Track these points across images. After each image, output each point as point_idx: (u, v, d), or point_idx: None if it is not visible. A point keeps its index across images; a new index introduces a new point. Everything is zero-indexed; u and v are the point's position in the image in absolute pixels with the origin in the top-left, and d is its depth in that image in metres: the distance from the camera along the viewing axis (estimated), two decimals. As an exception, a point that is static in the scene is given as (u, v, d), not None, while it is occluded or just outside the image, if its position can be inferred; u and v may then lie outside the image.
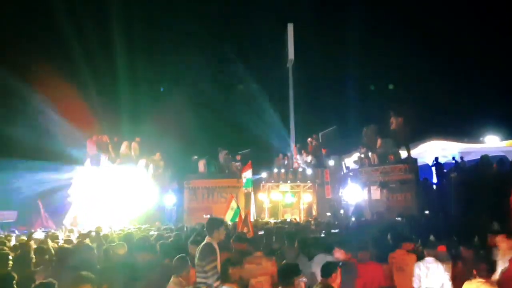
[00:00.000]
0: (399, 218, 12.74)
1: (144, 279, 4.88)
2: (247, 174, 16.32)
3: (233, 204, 9.52)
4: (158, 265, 5.51)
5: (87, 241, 7.62)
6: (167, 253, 5.67)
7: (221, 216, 14.99)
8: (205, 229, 4.97)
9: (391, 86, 23.57)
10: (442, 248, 5.60)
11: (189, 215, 17.26)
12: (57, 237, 8.85)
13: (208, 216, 15.18)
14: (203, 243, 4.74)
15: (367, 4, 24.64)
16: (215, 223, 4.87)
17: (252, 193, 17.05)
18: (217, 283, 4.41)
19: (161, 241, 6.63)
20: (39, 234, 9.39)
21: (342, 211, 17.29)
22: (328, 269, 4.21)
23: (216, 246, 4.67)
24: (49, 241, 7.67)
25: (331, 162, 18.73)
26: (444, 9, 24.41)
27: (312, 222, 12.05)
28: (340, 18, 26.13)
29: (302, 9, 26.07)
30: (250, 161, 16.68)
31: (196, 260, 4.66)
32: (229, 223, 11.08)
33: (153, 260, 5.70)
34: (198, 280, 4.61)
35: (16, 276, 4.27)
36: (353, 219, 14.59)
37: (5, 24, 20.95)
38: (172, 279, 4.44)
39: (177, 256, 4.66)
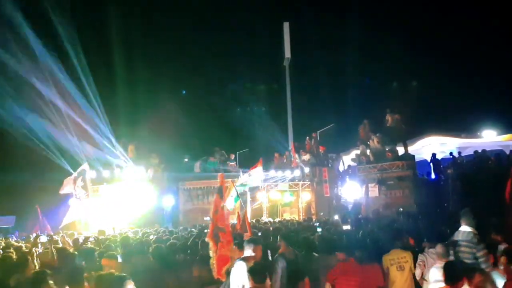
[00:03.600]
0: (400, 209, 12.87)
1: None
2: (257, 172, 15.76)
3: (233, 192, 9.08)
4: (151, 269, 5.56)
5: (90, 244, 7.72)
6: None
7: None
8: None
9: (394, 84, 23.62)
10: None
11: (185, 216, 17.18)
12: (57, 242, 8.84)
13: (208, 218, 15.18)
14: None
15: (363, 1, 24.64)
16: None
17: (249, 193, 16.83)
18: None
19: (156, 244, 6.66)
20: (43, 239, 9.35)
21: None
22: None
23: None
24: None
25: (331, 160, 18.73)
26: (442, 5, 24.41)
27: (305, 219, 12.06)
28: (336, 15, 26.13)
29: (298, 7, 26.10)
30: (261, 158, 16.17)
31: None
32: (228, 209, 10.81)
33: (146, 263, 5.76)
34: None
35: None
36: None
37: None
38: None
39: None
